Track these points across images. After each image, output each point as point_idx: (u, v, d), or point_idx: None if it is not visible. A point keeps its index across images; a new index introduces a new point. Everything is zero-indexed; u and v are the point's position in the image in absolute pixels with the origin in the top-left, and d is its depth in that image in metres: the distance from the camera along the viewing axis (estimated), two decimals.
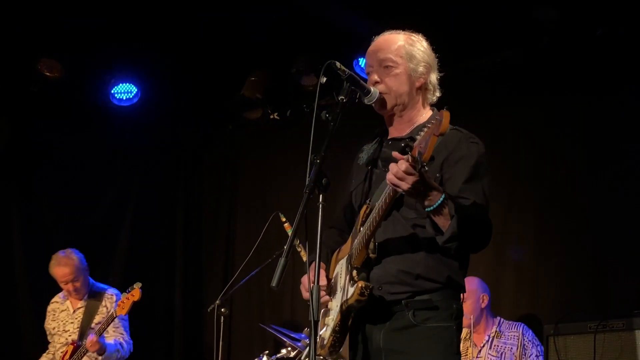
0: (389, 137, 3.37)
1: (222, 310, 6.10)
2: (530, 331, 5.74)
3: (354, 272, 3.11)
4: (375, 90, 3.24)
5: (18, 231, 7.52)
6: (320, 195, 2.96)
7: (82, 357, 6.05)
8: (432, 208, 2.92)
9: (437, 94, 3.34)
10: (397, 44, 3.30)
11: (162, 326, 7.79)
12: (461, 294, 3.25)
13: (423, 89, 3.31)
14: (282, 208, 6.11)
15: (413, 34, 3.36)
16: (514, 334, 5.76)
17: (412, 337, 3.09)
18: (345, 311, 3.13)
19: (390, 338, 3.12)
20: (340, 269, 3.29)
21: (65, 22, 6.46)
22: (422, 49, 3.31)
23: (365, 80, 3.29)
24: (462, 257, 3.18)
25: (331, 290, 3.30)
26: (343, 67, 3.14)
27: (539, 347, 5.65)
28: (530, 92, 6.33)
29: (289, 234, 3.02)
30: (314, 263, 3.27)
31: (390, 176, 2.87)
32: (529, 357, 5.63)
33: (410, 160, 2.78)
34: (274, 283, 2.86)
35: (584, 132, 6.11)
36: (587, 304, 5.76)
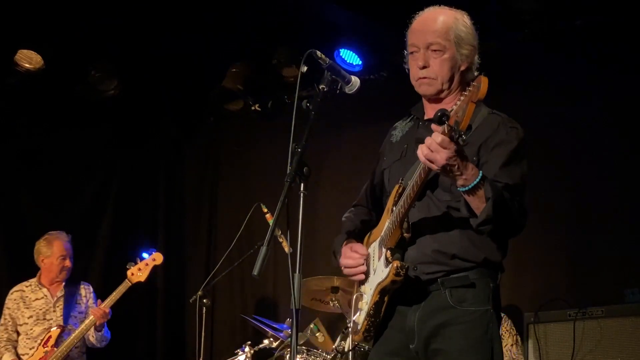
0: (425, 117, 3.29)
1: (204, 301, 6.10)
2: (509, 321, 5.75)
3: (388, 253, 3.06)
4: (356, 79, 3.22)
5: None
6: (302, 184, 2.95)
7: (76, 341, 6.05)
8: (467, 188, 2.87)
9: (476, 73, 3.25)
10: (446, 25, 3.18)
11: (144, 317, 7.78)
12: (499, 274, 3.18)
13: (466, 70, 3.22)
14: (263, 199, 6.11)
15: (457, 11, 3.27)
16: None
17: (446, 320, 3.04)
18: (380, 294, 3.09)
19: (425, 320, 3.08)
20: (373, 252, 3.24)
21: (44, 12, 6.41)
22: (468, 30, 3.22)
23: (347, 71, 3.27)
24: (500, 239, 3.12)
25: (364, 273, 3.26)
26: (324, 57, 3.13)
27: (515, 336, 5.67)
28: (510, 83, 6.36)
29: (271, 224, 3.02)
30: (346, 240, 3.31)
31: (424, 149, 2.80)
32: (505, 346, 5.65)
33: (446, 130, 2.71)
34: (255, 272, 2.85)
35: (562, 123, 6.14)
36: (566, 292, 5.80)
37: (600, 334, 5.04)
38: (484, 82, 2.67)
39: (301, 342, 5.59)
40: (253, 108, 7.84)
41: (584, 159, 6.01)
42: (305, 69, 3.14)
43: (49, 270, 6.37)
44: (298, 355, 5.34)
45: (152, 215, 8.34)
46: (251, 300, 7.76)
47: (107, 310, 6.07)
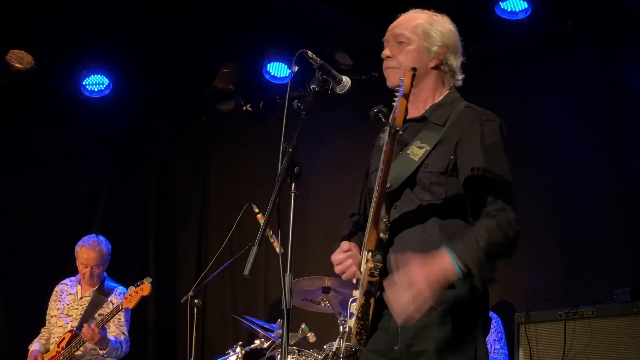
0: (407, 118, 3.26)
1: (196, 301, 6.10)
2: (497, 319, 5.72)
3: (369, 255, 3.05)
4: (347, 79, 3.22)
5: None
6: (293, 184, 2.95)
7: (79, 347, 6.02)
8: (461, 276, 2.90)
9: (459, 77, 3.27)
10: (416, 21, 3.22)
11: (135, 317, 7.75)
12: None
13: (438, 69, 3.22)
14: (254, 199, 6.11)
15: (437, 15, 3.29)
16: None
17: (429, 322, 3.01)
18: (365, 296, 3.09)
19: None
20: (363, 255, 3.22)
21: (35, 12, 6.40)
22: (440, 29, 3.22)
23: (338, 70, 3.28)
24: None
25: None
26: (315, 56, 3.13)
27: (500, 333, 5.65)
28: (501, 84, 6.37)
29: (262, 224, 3.01)
30: (343, 242, 3.28)
31: (399, 315, 2.89)
32: (487, 340, 5.61)
33: (392, 132, 2.78)
34: (246, 271, 2.84)
35: (553, 123, 6.15)
36: (557, 291, 5.81)
37: (590, 334, 5.05)
38: (406, 76, 2.74)
39: (292, 343, 5.59)
40: (244, 108, 7.86)
41: (574, 158, 6.02)
42: (296, 68, 3.14)
43: (79, 271, 6.44)
44: (289, 356, 5.34)
45: (143, 216, 8.32)
46: (242, 300, 7.75)
47: (97, 329, 5.88)
